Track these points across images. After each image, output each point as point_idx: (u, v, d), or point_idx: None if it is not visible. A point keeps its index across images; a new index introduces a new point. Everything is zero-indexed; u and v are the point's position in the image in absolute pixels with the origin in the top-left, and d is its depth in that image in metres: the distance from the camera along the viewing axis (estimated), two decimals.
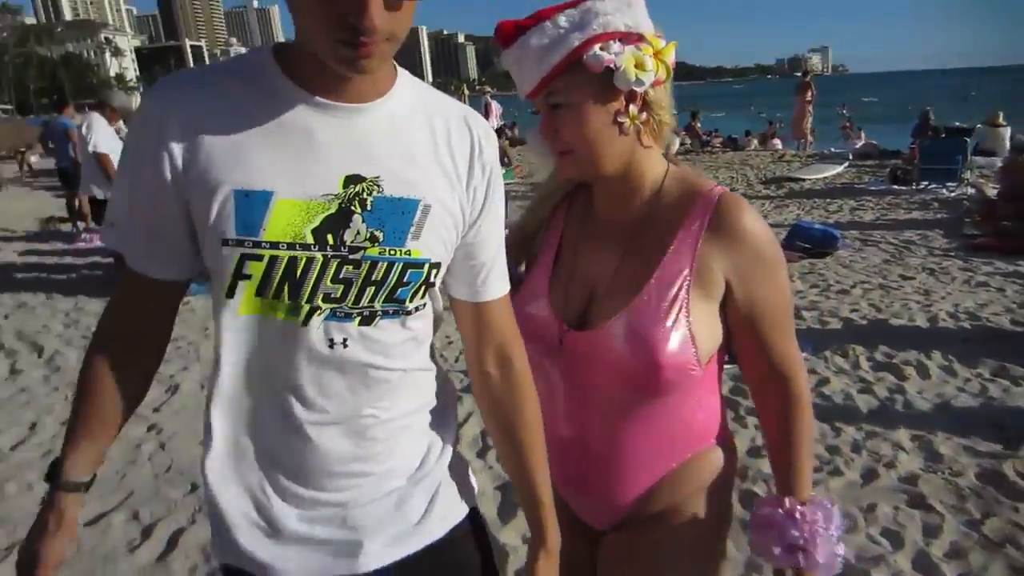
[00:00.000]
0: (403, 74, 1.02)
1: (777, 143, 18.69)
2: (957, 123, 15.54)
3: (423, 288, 1.02)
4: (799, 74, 19.09)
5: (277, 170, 0.91)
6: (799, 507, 1.19)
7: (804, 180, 12.24)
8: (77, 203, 9.85)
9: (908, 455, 3.25)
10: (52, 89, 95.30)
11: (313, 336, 0.96)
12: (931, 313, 5.20)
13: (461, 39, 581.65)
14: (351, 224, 0.94)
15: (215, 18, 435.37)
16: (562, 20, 1.12)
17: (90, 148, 6.67)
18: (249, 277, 0.93)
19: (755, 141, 19.74)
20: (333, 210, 0.93)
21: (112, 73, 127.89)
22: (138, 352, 1.05)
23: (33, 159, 19.90)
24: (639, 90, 1.14)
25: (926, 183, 10.80)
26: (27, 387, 4.42)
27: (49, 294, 6.62)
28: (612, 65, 1.11)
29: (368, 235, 0.95)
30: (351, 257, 0.94)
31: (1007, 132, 12.85)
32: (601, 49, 1.11)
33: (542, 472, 1.17)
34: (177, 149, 0.91)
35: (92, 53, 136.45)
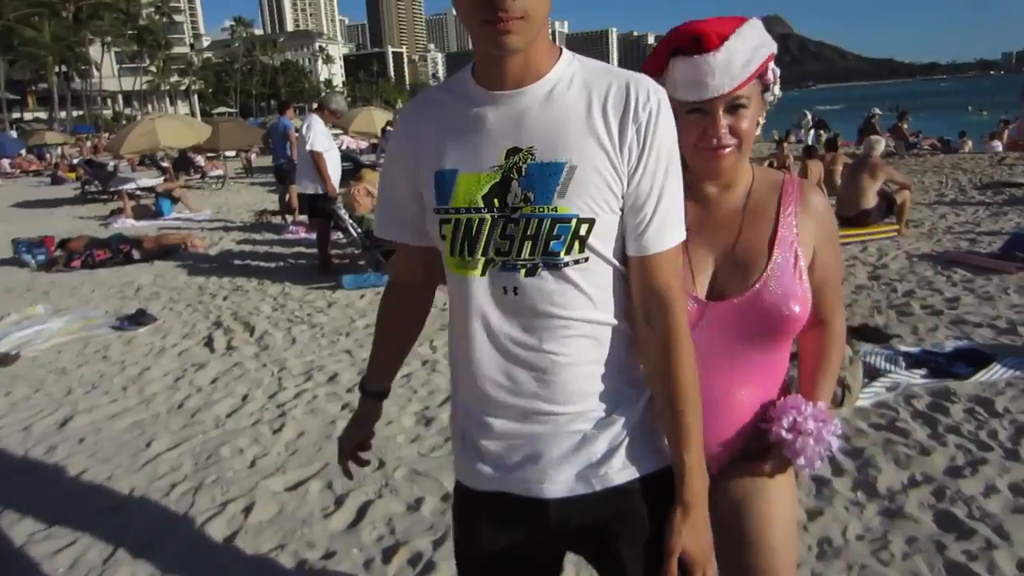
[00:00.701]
0: (566, 55, 1.18)
1: (996, 145, 16.84)
2: None
3: (575, 241, 1.13)
4: None
5: (461, 152, 1.16)
6: (824, 411, 1.44)
7: None
8: (288, 197, 10.86)
9: None
10: (271, 93, 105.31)
11: (491, 284, 1.16)
12: None
13: (651, 40, 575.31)
14: (511, 188, 1.13)
15: (416, 25, 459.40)
16: (754, 35, 1.36)
17: (308, 147, 7.27)
18: (446, 236, 1.17)
19: (970, 143, 17.93)
20: (498, 178, 1.14)
21: (322, 78, 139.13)
22: (409, 296, 1.45)
23: (252, 156, 22.15)
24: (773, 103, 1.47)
25: None
26: (240, 362, 4.95)
27: (260, 280, 7.36)
28: (774, 78, 1.42)
29: (523, 196, 1.12)
30: (512, 216, 1.13)
31: None
32: (774, 65, 1.40)
33: (687, 429, 1.18)
34: (408, 149, 1.24)
35: (307, 60, 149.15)
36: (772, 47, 1.38)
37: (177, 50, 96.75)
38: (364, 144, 25.81)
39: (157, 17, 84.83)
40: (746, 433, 1.46)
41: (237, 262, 8.38)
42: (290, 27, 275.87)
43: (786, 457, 1.42)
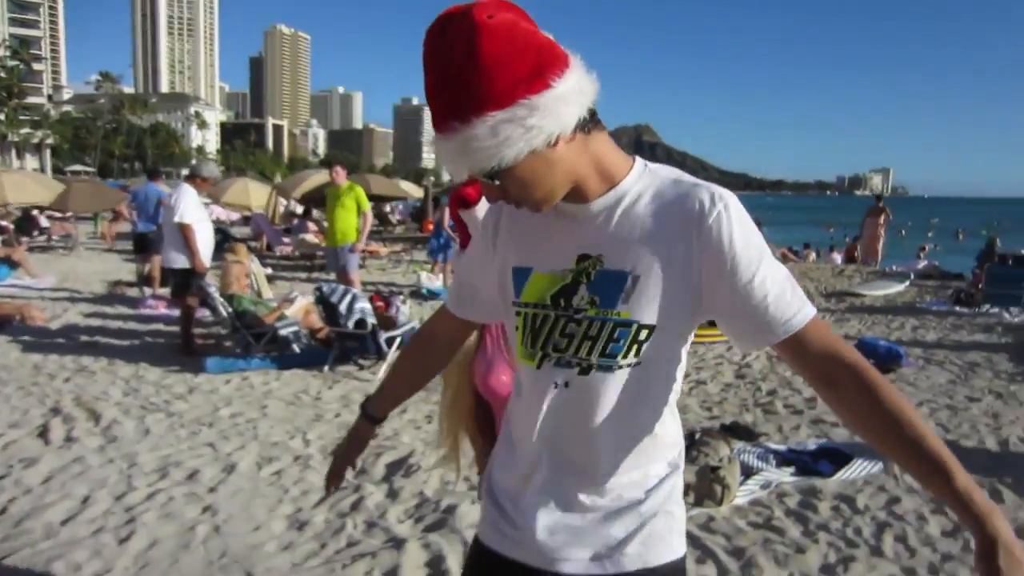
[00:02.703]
0: (638, 166, 1.25)
1: (836, 257, 18.53)
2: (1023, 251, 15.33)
3: (633, 345, 1.20)
4: (866, 192, 19.26)
5: (537, 253, 1.28)
6: None
7: (864, 296, 12.20)
8: (147, 268, 10.17)
9: None
10: (136, 155, 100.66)
11: (543, 377, 1.27)
12: (1001, 437, 5.07)
13: None
14: (578, 291, 1.23)
15: (300, 100, 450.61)
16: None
17: (176, 218, 6.79)
18: (517, 327, 1.30)
19: (813, 255, 19.73)
20: (568, 280, 1.24)
21: (195, 144, 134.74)
22: (432, 351, 1.58)
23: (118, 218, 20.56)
24: None
25: (988, 306, 10.84)
26: (82, 457, 4.37)
27: (110, 360, 6.70)
28: None
29: (589, 299, 1.22)
30: (575, 316, 1.23)
31: None
32: None
33: (939, 455, 1.10)
34: (491, 242, 1.37)
35: (180, 124, 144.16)
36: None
37: (32, 99, 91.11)
38: (235, 216, 24.92)
39: (13, 63, 79.79)
40: None
41: (84, 338, 7.62)
42: (165, 88, 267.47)
43: None
